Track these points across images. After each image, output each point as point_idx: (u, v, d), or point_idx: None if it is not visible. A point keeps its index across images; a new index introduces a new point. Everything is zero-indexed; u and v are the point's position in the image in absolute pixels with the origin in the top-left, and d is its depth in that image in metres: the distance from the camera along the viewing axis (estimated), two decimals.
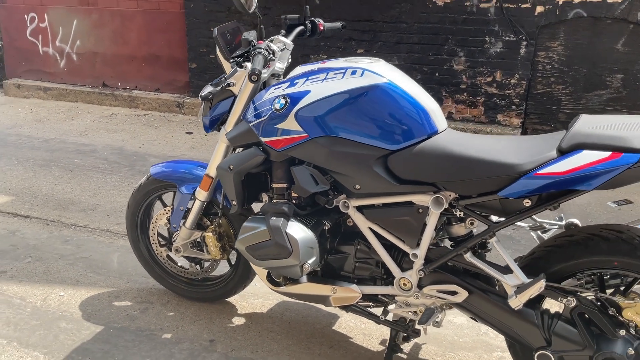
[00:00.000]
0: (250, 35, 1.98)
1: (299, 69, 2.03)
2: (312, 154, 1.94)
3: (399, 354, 2.31)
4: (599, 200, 3.91)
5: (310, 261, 1.97)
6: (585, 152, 1.60)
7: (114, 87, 6.71)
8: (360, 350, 2.37)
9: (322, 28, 2.36)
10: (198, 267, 2.64)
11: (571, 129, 1.68)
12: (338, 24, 2.46)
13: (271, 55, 1.98)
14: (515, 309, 1.77)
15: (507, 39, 4.86)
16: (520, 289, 1.74)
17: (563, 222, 1.99)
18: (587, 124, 1.67)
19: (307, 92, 1.91)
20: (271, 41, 2.16)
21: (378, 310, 2.17)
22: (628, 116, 1.72)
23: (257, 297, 2.75)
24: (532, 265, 1.85)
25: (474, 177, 1.76)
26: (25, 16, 6.89)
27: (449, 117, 5.26)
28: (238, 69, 2.03)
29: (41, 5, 6.76)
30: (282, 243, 1.94)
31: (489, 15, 4.86)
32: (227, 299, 2.71)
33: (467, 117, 5.21)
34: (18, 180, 4.30)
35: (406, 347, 2.37)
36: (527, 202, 1.74)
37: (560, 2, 4.61)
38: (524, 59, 4.87)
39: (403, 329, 2.09)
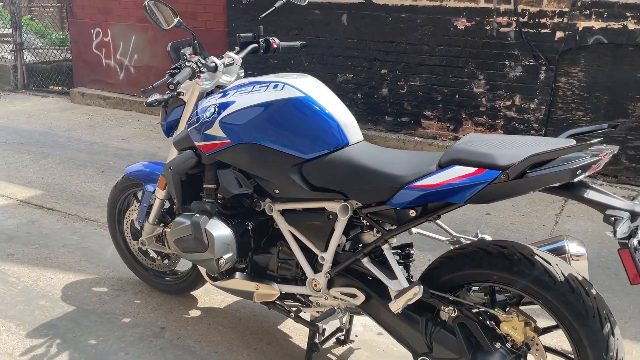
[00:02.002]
0: (188, 50, 2.21)
1: (236, 82, 2.23)
2: (235, 158, 2.12)
3: (329, 356, 2.43)
4: (600, 229, 3.81)
5: (225, 256, 2.14)
6: (456, 167, 1.69)
7: None
8: (295, 349, 2.51)
9: (275, 46, 2.55)
10: (167, 260, 2.87)
11: (452, 145, 1.77)
12: (297, 42, 2.65)
13: (201, 68, 2.19)
14: (395, 312, 1.86)
15: (527, 63, 4.84)
16: (399, 293, 1.83)
17: (477, 238, 2.05)
18: (468, 141, 1.76)
19: (232, 102, 2.10)
20: (221, 58, 2.37)
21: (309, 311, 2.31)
22: (514, 136, 1.78)
23: (220, 293, 2.94)
24: (428, 274, 1.93)
25: (369, 187, 1.88)
26: (92, 31, 7.56)
27: None
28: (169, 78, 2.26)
29: (105, 21, 7.40)
30: (200, 238, 2.13)
31: (509, 39, 4.86)
32: (193, 293, 2.93)
33: None
34: (54, 177, 4.76)
35: (338, 350, 2.48)
36: (412, 213, 1.84)
37: (580, 28, 4.55)
38: (543, 84, 4.82)
39: (314, 328, 2.21)
